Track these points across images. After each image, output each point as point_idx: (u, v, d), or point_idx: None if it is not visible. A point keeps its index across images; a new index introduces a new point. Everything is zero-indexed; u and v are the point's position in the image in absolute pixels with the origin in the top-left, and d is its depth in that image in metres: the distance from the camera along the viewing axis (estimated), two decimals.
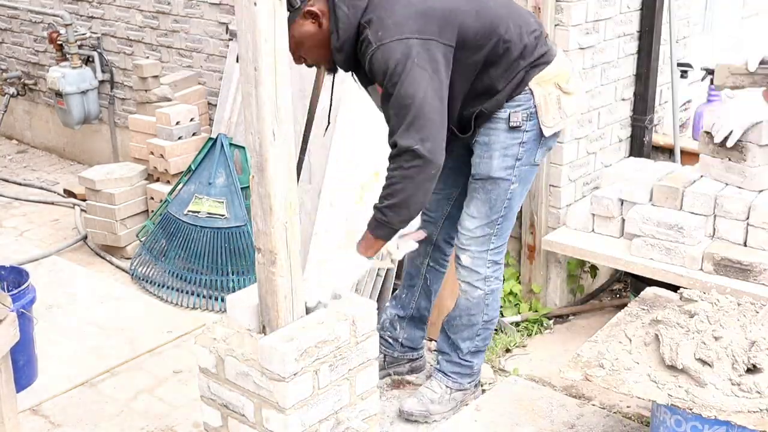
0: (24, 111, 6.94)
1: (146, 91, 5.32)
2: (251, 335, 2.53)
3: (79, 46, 5.87)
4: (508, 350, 3.95)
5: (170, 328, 4.11)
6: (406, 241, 3.09)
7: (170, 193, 4.75)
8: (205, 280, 4.46)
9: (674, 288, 3.37)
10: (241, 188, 4.52)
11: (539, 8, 3.83)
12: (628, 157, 4.39)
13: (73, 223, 5.42)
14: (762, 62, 3.25)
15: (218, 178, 4.60)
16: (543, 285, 4.21)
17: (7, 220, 5.51)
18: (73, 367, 3.77)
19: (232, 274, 4.43)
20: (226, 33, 5.05)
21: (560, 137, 4.01)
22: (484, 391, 3.64)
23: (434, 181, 2.87)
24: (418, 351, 3.69)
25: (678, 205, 3.68)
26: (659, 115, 4.60)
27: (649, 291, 3.34)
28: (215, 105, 5.13)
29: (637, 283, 3.88)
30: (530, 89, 3.04)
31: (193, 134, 5.01)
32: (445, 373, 3.45)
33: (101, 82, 5.96)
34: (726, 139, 3.50)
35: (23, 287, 3.42)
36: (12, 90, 6.66)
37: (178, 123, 4.91)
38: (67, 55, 5.86)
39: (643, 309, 3.21)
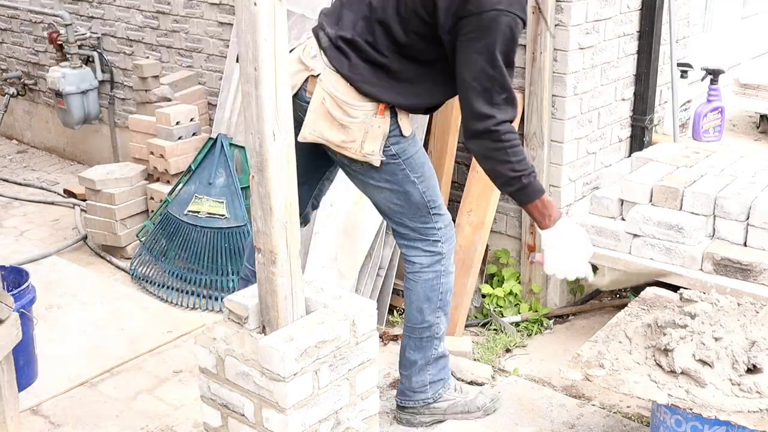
0: (24, 111, 6.94)
1: (146, 91, 5.31)
2: (251, 335, 2.53)
3: (79, 46, 5.87)
4: (508, 350, 3.95)
5: (170, 328, 4.11)
6: None
7: (170, 193, 4.75)
8: (205, 280, 4.46)
9: (674, 288, 3.37)
10: (241, 188, 4.52)
11: (539, 8, 3.84)
12: (629, 156, 4.39)
13: (73, 223, 5.42)
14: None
15: (218, 178, 4.60)
16: (543, 285, 4.21)
17: (7, 220, 5.51)
18: (73, 367, 3.77)
19: (232, 274, 4.43)
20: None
21: (559, 137, 4.02)
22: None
23: None
24: None
25: (678, 205, 3.68)
26: (659, 115, 4.60)
27: (649, 291, 3.34)
28: (215, 105, 5.13)
29: None
30: None
31: (193, 134, 5.01)
32: None
33: (101, 82, 5.96)
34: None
35: (23, 287, 3.42)
36: (12, 90, 6.66)
37: (178, 123, 4.91)
38: (67, 55, 5.86)
39: (643, 309, 3.21)
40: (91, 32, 5.97)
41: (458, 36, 2.67)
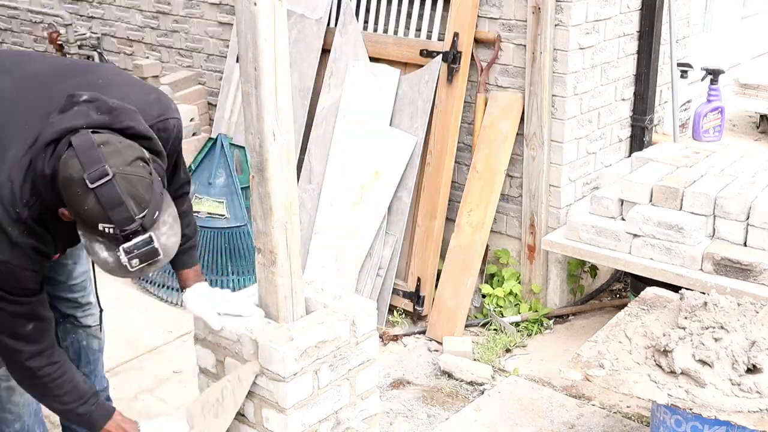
0: None
1: None
2: (251, 335, 2.53)
3: (79, 46, 5.87)
4: (508, 350, 3.95)
5: (170, 328, 4.11)
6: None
7: None
8: (205, 280, 4.45)
9: (674, 288, 3.37)
10: (241, 188, 4.52)
11: (539, 8, 3.84)
12: (629, 156, 4.39)
13: None
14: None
15: (218, 178, 4.60)
16: (543, 285, 4.21)
17: None
18: None
19: (232, 274, 4.43)
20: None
21: (559, 137, 4.02)
22: (484, 391, 3.64)
23: None
24: None
25: (678, 205, 3.68)
26: (659, 115, 4.60)
27: (649, 291, 3.34)
28: (215, 105, 5.13)
29: (637, 283, 3.87)
30: None
31: (193, 134, 5.01)
32: None
33: None
34: None
35: None
36: None
37: None
38: (67, 55, 5.85)
39: (643, 309, 3.20)
40: (91, 32, 5.97)
41: None
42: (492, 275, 4.32)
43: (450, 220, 4.25)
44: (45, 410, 2.70)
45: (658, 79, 4.41)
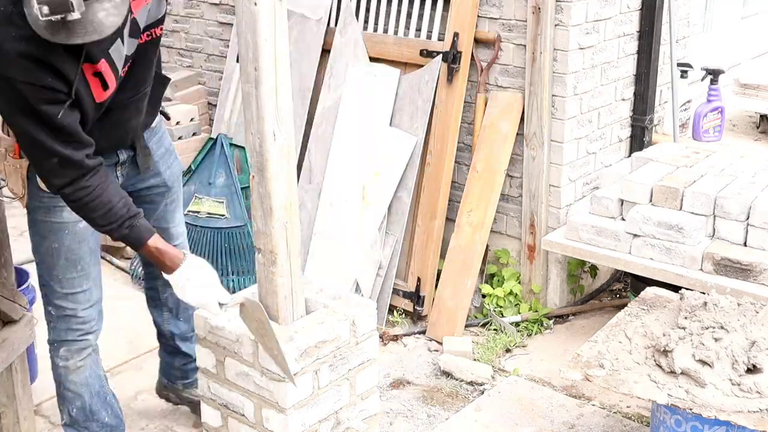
0: None
1: None
2: (251, 335, 2.53)
3: None
4: (508, 350, 3.95)
5: None
6: None
7: None
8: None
9: (674, 288, 3.37)
10: (241, 188, 4.52)
11: (539, 8, 3.84)
12: (629, 156, 4.39)
13: None
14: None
15: (218, 178, 4.60)
16: (543, 285, 4.21)
17: (6, 220, 5.50)
18: None
19: (232, 274, 4.43)
20: None
21: (559, 137, 4.02)
22: (484, 391, 3.64)
23: None
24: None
25: (678, 205, 3.68)
26: (659, 115, 4.60)
27: (649, 291, 3.34)
28: (215, 105, 5.13)
29: (637, 283, 3.88)
30: None
31: (193, 134, 5.01)
32: None
33: None
34: None
35: (23, 287, 3.42)
36: None
37: (178, 123, 4.91)
38: None
39: (643, 309, 3.21)
40: None
41: None
42: (492, 275, 4.32)
43: (450, 220, 4.25)
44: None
45: (658, 79, 4.41)
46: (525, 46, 3.97)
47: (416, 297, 4.22)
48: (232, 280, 4.41)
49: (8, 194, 2.74)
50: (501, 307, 4.19)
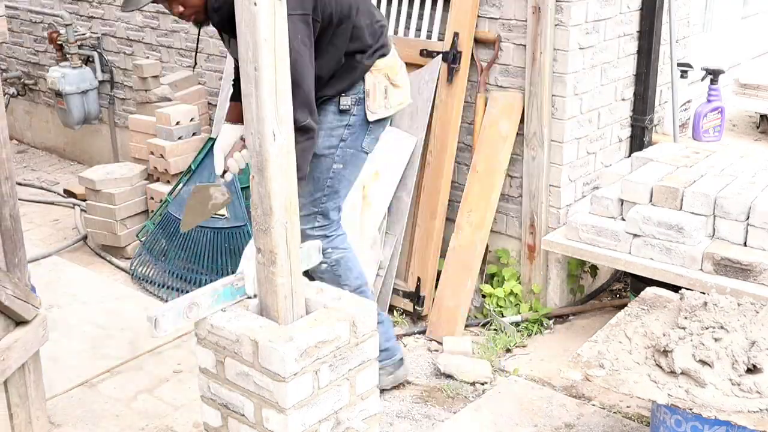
0: (24, 111, 6.94)
1: (146, 91, 5.32)
2: (251, 335, 2.53)
3: (79, 46, 5.87)
4: (508, 350, 3.95)
5: None
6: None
7: (170, 193, 4.75)
8: (205, 280, 4.45)
9: (674, 288, 3.37)
10: (241, 188, 4.52)
11: (539, 8, 3.84)
12: (629, 156, 4.39)
13: (73, 223, 5.42)
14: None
15: (218, 178, 4.59)
16: (543, 285, 4.21)
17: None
18: (73, 367, 3.77)
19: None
20: None
21: (559, 137, 4.02)
22: (484, 391, 3.64)
23: None
24: None
25: (678, 205, 3.68)
26: (659, 115, 4.60)
27: (649, 291, 3.34)
28: (215, 105, 5.13)
29: (637, 283, 3.88)
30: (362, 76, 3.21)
31: (193, 134, 5.01)
32: None
33: (101, 82, 5.96)
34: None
35: None
36: (12, 90, 6.66)
37: (178, 123, 4.91)
38: (67, 55, 5.86)
39: (643, 309, 3.21)
40: (91, 32, 5.98)
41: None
42: (492, 275, 4.32)
43: (450, 220, 4.25)
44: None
45: (658, 79, 4.41)
46: (525, 46, 3.97)
47: (416, 297, 4.22)
48: None
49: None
50: (501, 307, 4.19)
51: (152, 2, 2.99)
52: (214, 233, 4.48)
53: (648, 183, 3.76)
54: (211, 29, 5.22)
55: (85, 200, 5.15)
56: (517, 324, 4.10)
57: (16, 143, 7.04)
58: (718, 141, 4.74)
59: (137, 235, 4.90)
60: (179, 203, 4.63)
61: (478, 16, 4.10)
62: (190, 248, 4.52)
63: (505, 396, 3.57)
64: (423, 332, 4.13)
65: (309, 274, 3.17)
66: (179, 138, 4.91)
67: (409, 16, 4.32)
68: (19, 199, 5.96)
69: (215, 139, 4.66)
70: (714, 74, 4.71)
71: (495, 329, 4.07)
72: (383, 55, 3.26)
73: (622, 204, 3.84)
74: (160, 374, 3.77)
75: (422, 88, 4.19)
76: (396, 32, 4.35)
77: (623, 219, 3.82)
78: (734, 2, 5.73)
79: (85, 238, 5.14)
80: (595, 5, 3.96)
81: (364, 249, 4.17)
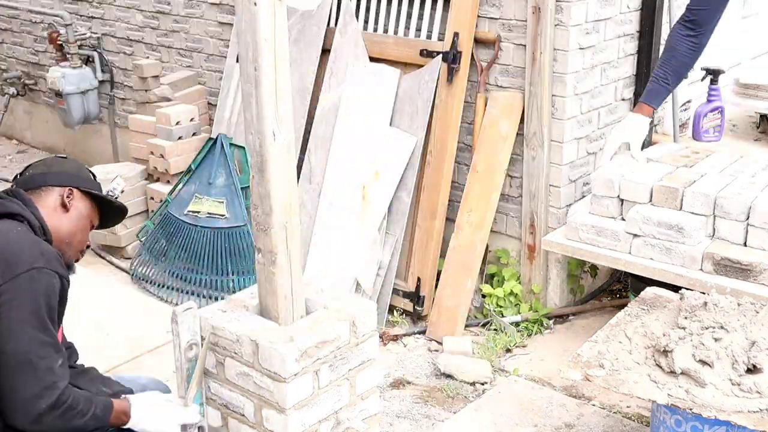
0: (24, 111, 6.94)
1: (146, 91, 5.32)
2: (251, 336, 2.53)
3: (79, 46, 5.87)
4: (508, 350, 3.95)
5: (170, 328, 4.10)
6: None
7: (170, 193, 4.75)
8: (205, 280, 4.46)
9: (674, 288, 3.37)
10: (241, 188, 4.52)
11: (539, 8, 3.84)
12: None
13: None
14: None
15: (218, 178, 4.60)
16: (543, 285, 4.21)
17: None
18: None
19: (232, 274, 4.43)
20: None
21: (559, 137, 4.02)
22: (484, 391, 3.64)
23: None
24: None
25: (678, 205, 3.68)
26: (659, 115, 4.60)
27: (649, 291, 3.34)
28: (215, 105, 5.13)
29: (637, 283, 3.87)
30: None
31: (193, 134, 5.01)
32: None
33: (101, 82, 5.96)
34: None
35: None
36: (12, 90, 6.66)
37: (178, 123, 4.91)
38: (67, 55, 5.86)
39: (643, 309, 3.20)
40: (91, 32, 5.97)
41: None
42: (492, 275, 4.32)
43: (450, 220, 4.25)
44: None
45: None
46: (525, 46, 3.97)
47: (416, 297, 4.22)
48: (232, 280, 4.41)
49: None
50: (501, 307, 4.19)
51: None
52: (214, 233, 4.49)
53: (648, 183, 3.76)
54: (211, 29, 5.24)
55: None
56: (517, 324, 4.10)
57: (16, 143, 7.04)
58: (718, 141, 4.73)
59: (137, 235, 4.90)
60: (179, 203, 4.63)
61: (478, 16, 4.10)
62: (190, 248, 4.52)
63: (505, 396, 3.57)
64: (423, 332, 4.13)
65: None
66: (179, 138, 4.91)
67: (409, 16, 4.32)
68: None
69: (215, 140, 4.68)
70: (714, 74, 4.71)
71: (495, 329, 4.07)
72: None
73: (622, 204, 3.84)
74: (160, 374, 3.76)
75: (422, 88, 4.19)
76: (396, 32, 4.36)
77: (623, 219, 3.81)
78: (734, 2, 5.72)
79: None
80: (595, 5, 3.96)
81: (364, 249, 4.17)
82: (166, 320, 4.24)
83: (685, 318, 2.96)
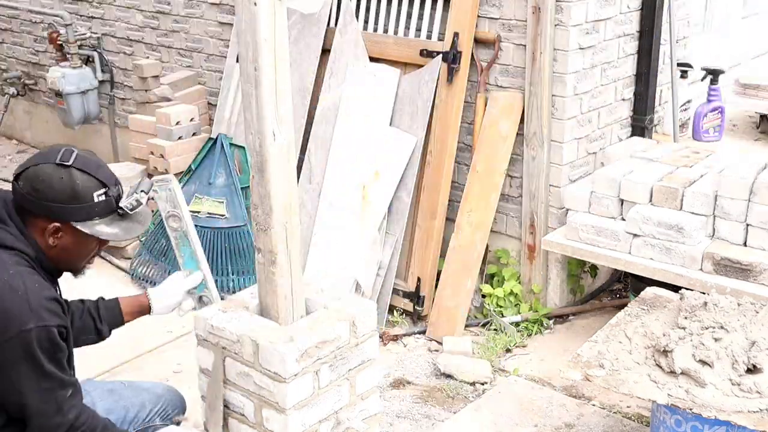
0: (24, 111, 6.94)
1: (146, 91, 5.32)
2: (251, 336, 2.53)
3: (79, 46, 5.87)
4: (508, 350, 3.95)
5: (170, 328, 4.11)
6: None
7: None
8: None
9: (674, 288, 3.37)
10: (241, 188, 4.52)
11: (539, 8, 3.84)
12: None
13: None
14: None
15: (218, 178, 4.60)
16: (543, 285, 4.21)
17: None
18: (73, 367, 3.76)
19: (232, 274, 4.43)
20: None
21: (559, 137, 4.02)
22: (484, 391, 3.64)
23: None
24: None
25: (678, 205, 3.68)
26: (659, 115, 4.60)
27: (649, 291, 3.34)
28: (215, 105, 5.13)
29: (637, 283, 3.87)
30: None
31: (193, 134, 5.01)
32: None
33: (101, 82, 5.96)
34: None
35: None
36: (12, 90, 6.65)
37: (178, 123, 4.91)
38: (67, 55, 5.86)
39: (643, 309, 3.20)
40: (91, 32, 5.97)
41: None
42: (492, 275, 4.32)
43: (450, 220, 4.25)
44: None
45: (658, 79, 4.41)
46: (525, 46, 3.97)
47: (416, 297, 4.22)
48: (233, 280, 4.41)
49: None
50: (501, 307, 4.19)
51: None
52: (214, 233, 4.49)
53: (648, 183, 3.76)
54: (211, 29, 5.24)
55: None
56: (517, 324, 4.10)
57: (16, 143, 7.04)
58: (718, 141, 4.74)
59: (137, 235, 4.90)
60: None
61: (478, 16, 4.10)
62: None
63: (505, 396, 3.57)
64: (423, 332, 4.13)
65: None
66: (179, 138, 4.91)
67: (409, 16, 4.32)
68: None
69: (215, 140, 4.68)
70: (714, 74, 4.72)
71: (495, 329, 4.07)
72: None
73: (622, 204, 3.84)
74: (160, 374, 3.77)
75: (422, 88, 4.19)
76: (396, 32, 4.36)
77: (623, 219, 3.82)
78: (734, 2, 5.73)
79: None
80: (595, 5, 3.96)
81: (364, 249, 4.17)
82: (167, 320, 4.25)
83: (685, 318, 2.96)
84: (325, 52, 4.53)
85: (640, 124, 4.42)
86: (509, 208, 4.26)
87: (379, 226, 4.20)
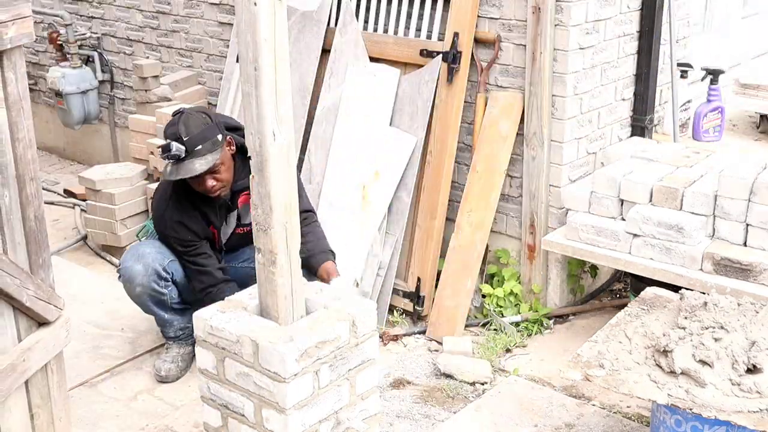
0: None
1: (146, 91, 5.31)
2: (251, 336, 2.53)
3: (79, 46, 5.87)
4: (508, 350, 3.95)
5: None
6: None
7: None
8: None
9: (674, 288, 3.37)
10: None
11: (539, 8, 3.84)
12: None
13: (73, 223, 5.42)
14: None
15: None
16: (543, 285, 4.21)
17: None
18: (73, 367, 3.75)
19: None
20: None
21: (559, 137, 4.02)
22: (484, 391, 3.64)
23: None
24: None
25: (678, 205, 3.68)
26: (659, 115, 4.60)
27: (649, 291, 3.34)
28: (215, 105, 5.13)
29: (637, 283, 3.87)
30: None
31: None
32: None
33: (101, 82, 5.96)
34: None
35: None
36: None
37: None
38: (67, 55, 5.86)
39: (643, 309, 3.21)
40: (91, 32, 5.97)
41: None
42: (492, 275, 4.32)
43: (450, 220, 4.25)
44: None
45: (658, 79, 4.41)
46: (525, 46, 3.97)
47: (416, 297, 4.22)
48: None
49: None
50: (501, 307, 4.19)
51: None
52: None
53: (648, 183, 3.76)
54: (211, 29, 5.25)
55: (85, 200, 5.15)
56: (517, 324, 4.10)
57: None
58: (718, 141, 4.74)
59: (137, 235, 4.88)
60: None
61: (478, 16, 4.10)
62: None
63: (505, 396, 3.57)
64: (423, 332, 4.13)
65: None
66: None
67: (409, 16, 4.32)
68: None
69: None
70: (714, 74, 4.71)
71: (495, 329, 4.07)
72: None
73: (622, 204, 3.84)
74: None
75: (422, 88, 4.19)
76: (396, 32, 4.36)
77: (623, 219, 3.82)
78: (734, 2, 5.73)
79: (85, 238, 5.14)
80: (595, 5, 3.96)
81: (364, 249, 4.17)
82: None
83: (685, 318, 2.96)
84: (325, 52, 4.53)
85: (640, 124, 4.42)
86: (509, 208, 4.26)
87: (379, 226, 4.20)
